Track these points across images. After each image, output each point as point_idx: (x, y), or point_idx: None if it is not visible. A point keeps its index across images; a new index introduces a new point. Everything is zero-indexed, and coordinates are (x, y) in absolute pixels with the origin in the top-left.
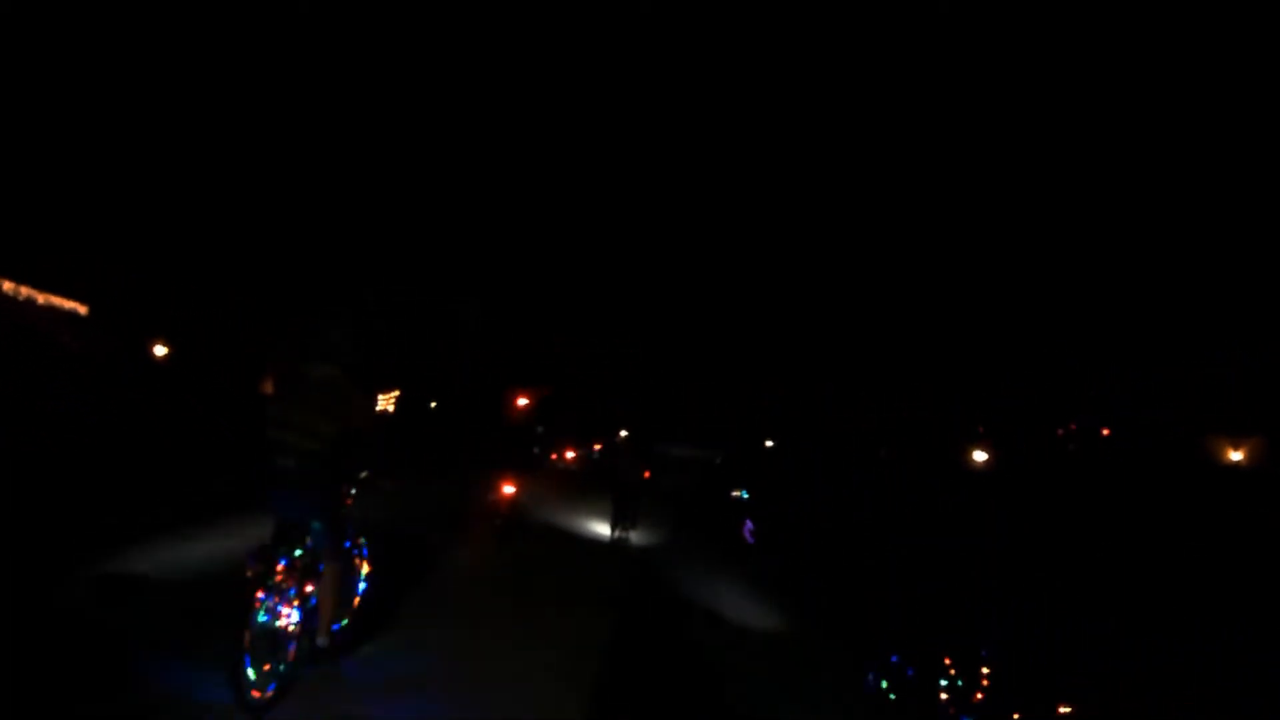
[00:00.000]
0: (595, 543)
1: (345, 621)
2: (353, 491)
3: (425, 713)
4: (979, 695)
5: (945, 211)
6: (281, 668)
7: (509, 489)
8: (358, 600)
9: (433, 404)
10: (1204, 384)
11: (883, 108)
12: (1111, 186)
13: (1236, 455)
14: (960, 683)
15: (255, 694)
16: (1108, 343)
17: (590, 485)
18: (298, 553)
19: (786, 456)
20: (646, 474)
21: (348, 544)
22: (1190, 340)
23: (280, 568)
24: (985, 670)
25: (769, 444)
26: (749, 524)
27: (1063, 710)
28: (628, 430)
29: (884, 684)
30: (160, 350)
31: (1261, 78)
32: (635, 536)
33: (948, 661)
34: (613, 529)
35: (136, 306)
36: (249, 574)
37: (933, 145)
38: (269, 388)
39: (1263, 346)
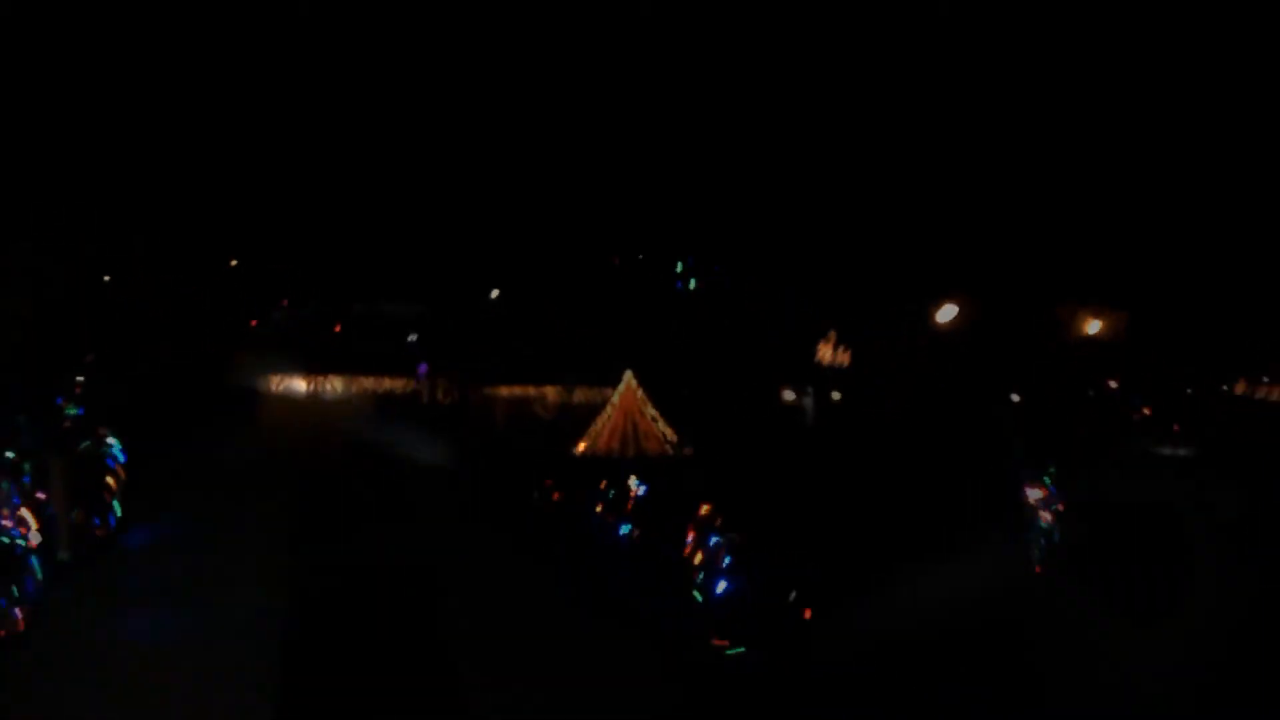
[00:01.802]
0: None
1: (99, 527)
2: (79, 379)
3: (175, 625)
4: (629, 505)
5: None
6: (25, 591)
7: None
8: (111, 511)
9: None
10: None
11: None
12: None
13: (1094, 328)
14: (612, 494)
15: (8, 623)
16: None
17: None
18: (9, 455)
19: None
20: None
21: (86, 442)
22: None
23: None
24: (634, 488)
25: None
26: (422, 367)
27: (704, 510)
28: None
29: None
30: None
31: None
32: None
33: (603, 485)
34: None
35: None
36: None
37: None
38: None
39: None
